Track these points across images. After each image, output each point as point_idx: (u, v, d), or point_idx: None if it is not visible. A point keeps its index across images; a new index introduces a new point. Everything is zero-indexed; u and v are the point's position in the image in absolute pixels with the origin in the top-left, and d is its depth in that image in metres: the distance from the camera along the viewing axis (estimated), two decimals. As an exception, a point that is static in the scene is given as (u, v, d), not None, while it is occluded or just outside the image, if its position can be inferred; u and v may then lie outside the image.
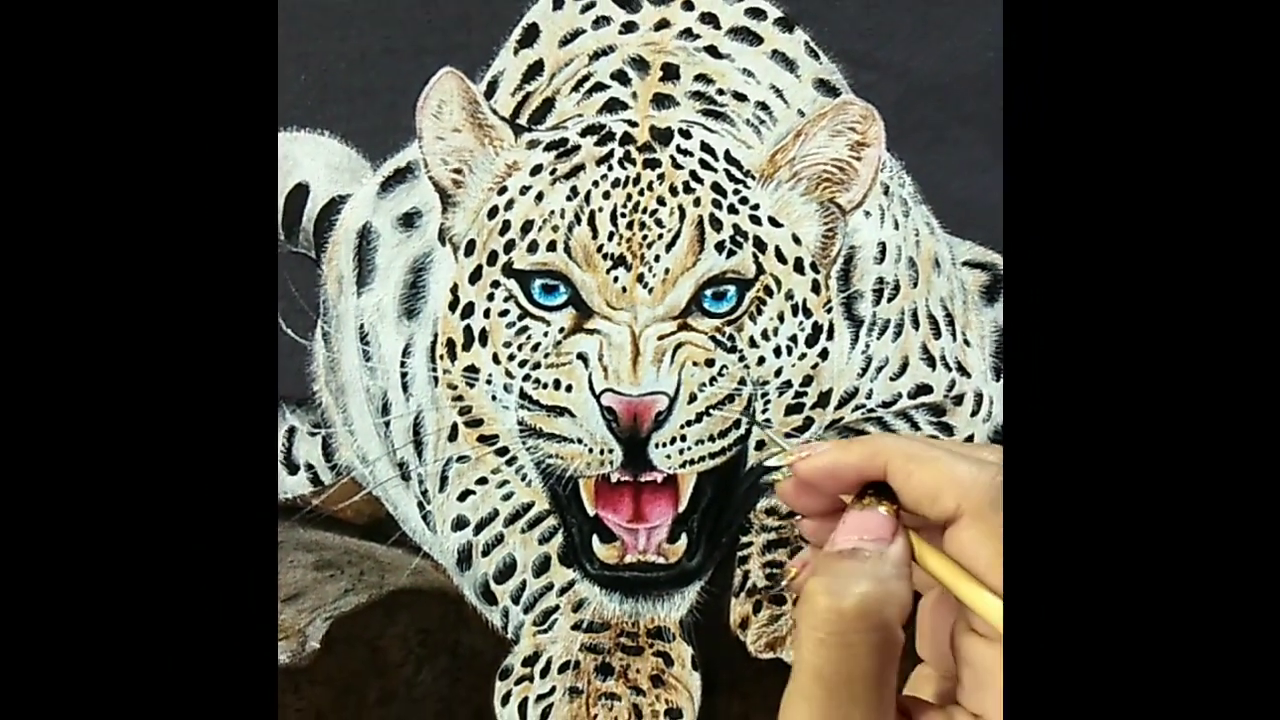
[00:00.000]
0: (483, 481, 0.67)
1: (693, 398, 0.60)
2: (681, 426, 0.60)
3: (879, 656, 0.35)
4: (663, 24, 0.67)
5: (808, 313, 0.63)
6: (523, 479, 0.65)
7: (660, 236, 0.61)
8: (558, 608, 0.66)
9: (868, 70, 0.68)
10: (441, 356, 0.65)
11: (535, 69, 0.67)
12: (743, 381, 0.61)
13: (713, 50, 0.67)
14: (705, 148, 0.63)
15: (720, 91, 0.66)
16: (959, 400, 0.68)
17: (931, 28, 0.68)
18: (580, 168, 0.62)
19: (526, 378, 0.61)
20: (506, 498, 0.67)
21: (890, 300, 0.67)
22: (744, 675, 0.66)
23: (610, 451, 0.60)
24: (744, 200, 0.62)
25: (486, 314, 0.63)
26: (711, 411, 0.60)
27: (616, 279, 0.60)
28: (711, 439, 0.60)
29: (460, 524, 0.67)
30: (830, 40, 0.68)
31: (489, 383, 0.63)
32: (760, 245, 0.62)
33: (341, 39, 0.68)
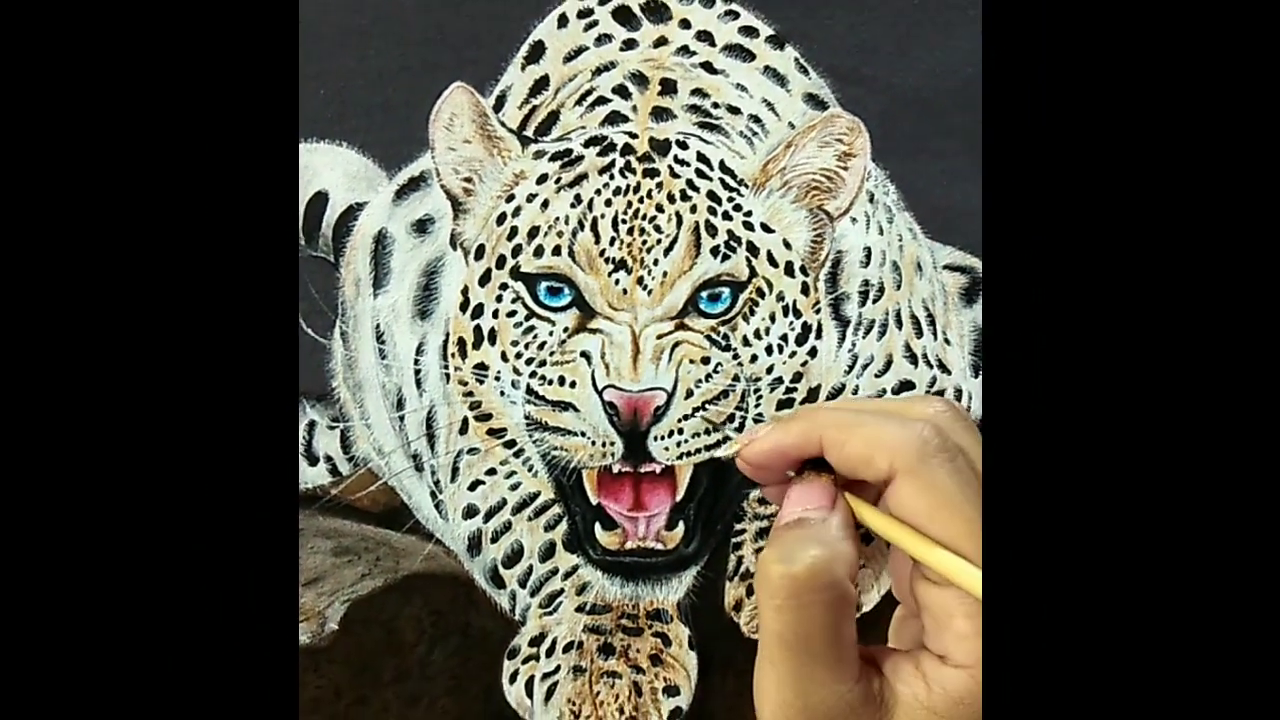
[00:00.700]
0: (492, 472, 0.67)
1: (689, 393, 0.61)
2: (679, 420, 0.60)
3: (833, 612, 0.37)
4: (661, 41, 0.68)
5: (798, 313, 0.64)
6: (529, 470, 0.66)
7: (659, 241, 0.62)
8: (562, 591, 0.66)
9: (854, 85, 0.68)
10: (453, 354, 0.65)
11: (541, 84, 0.68)
12: (736, 378, 0.62)
13: (708, 66, 0.67)
14: (701, 158, 0.63)
15: (715, 105, 0.66)
16: (940, 395, 0.69)
17: (914, 45, 0.68)
18: (583, 177, 0.63)
19: (533, 374, 0.62)
20: (514, 487, 0.67)
21: (875, 301, 0.67)
22: (738, 654, 0.66)
23: (612, 444, 0.60)
24: (738, 207, 0.63)
25: (495, 314, 0.63)
26: (707, 406, 0.61)
27: (618, 281, 0.61)
28: (707, 432, 0.61)
29: (470, 512, 0.68)
30: (819, 57, 0.68)
31: (498, 379, 0.63)
32: (753, 250, 0.63)
33: (359, 57, 0.69)
